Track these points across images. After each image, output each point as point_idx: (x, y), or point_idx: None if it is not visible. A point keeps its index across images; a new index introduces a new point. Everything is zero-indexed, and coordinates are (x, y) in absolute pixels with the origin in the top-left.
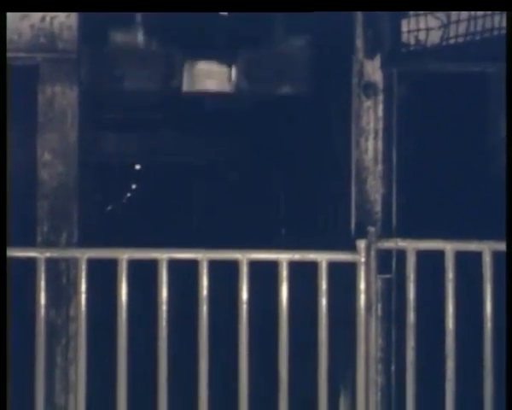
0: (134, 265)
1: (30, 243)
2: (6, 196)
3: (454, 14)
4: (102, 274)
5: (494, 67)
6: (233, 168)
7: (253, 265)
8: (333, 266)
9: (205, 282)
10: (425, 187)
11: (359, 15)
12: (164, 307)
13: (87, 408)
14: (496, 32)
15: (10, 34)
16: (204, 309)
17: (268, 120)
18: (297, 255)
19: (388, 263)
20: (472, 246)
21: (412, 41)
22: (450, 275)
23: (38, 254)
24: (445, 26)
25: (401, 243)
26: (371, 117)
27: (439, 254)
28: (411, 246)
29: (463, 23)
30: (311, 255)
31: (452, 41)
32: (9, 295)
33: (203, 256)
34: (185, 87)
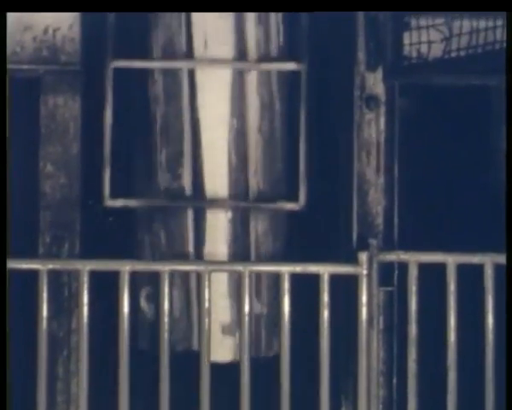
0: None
1: (32, 254)
2: (6, 207)
3: (456, 28)
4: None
5: (496, 80)
6: None
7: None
8: (335, 279)
9: (207, 294)
10: (427, 200)
11: (361, 27)
12: (165, 319)
13: None
14: (498, 46)
15: (13, 46)
16: (206, 322)
17: None
18: (298, 268)
19: (390, 276)
20: (474, 259)
21: (414, 54)
22: (451, 288)
23: (40, 266)
24: (447, 39)
25: (403, 256)
26: (373, 129)
27: (441, 267)
28: (413, 259)
29: (465, 36)
30: (312, 268)
31: (454, 54)
32: (8, 306)
33: (205, 269)
34: None
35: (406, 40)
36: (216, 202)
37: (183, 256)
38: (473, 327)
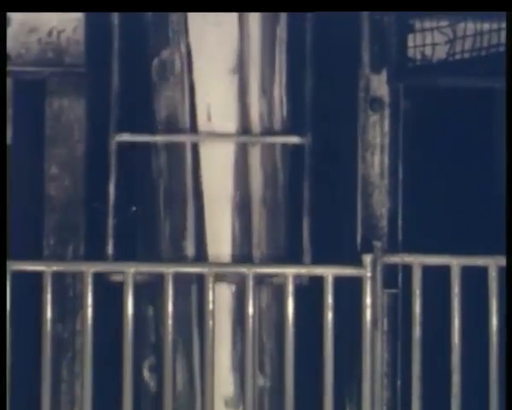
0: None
1: (37, 256)
2: (6, 208)
3: (460, 30)
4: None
5: (500, 82)
6: None
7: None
8: (339, 281)
9: (211, 296)
10: (431, 201)
11: (366, 30)
12: (170, 322)
13: None
14: (502, 48)
15: (18, 48)
16: (210, 324)
17: None
18: (303, 269)
19: (394, 278)
20: (478, 261)
21: (418, 56)
22: (456, 290)
23: (45, 268)
24: (452, 41)
25: (407, 258)
26: (377, 131)
27: (445, 269)
28: (417, 261)
29: (470, 38)
30: (317, 270)
31: (458, 56)
32: (9, 307)
33: (209, 271)
34: None
35: (410, 42)
36: (220, 275)
37: (187, 332)
38: (477, 329)
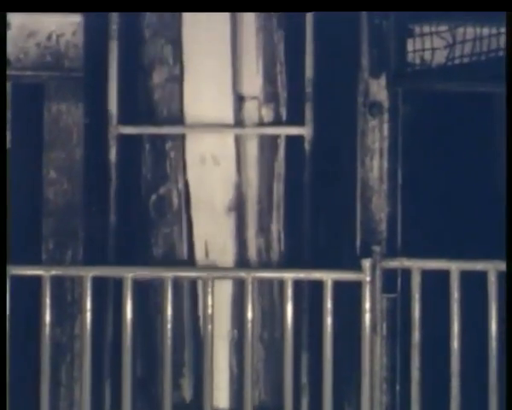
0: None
1: (35, 260)
2: (6, 213)
3: (460, 34)
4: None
5: (500, 87)
6: None
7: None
8: (338, 286)
9: (210, 301)
10: (430, 206)
11: (365, 34)
12: (169, 326)
13: None
14: (501, 52)
15: (16, 52)
16: (209, 328)
17: None
18: (302, 274)
19: (393, 282)
20: (477, 266)
21: (418, 60)
22: (455, 295)
23: (44, 272)
24: (451, 45)
25: (406, 263)
26: (376, 136)
27: (445, 274)
28: (416, 265)
29: (469, 43)
30: (316, 274)
31: (458, 61)
32: (8, 311)
33: (208, 275)
34: None
35: (410, 47)
36: None
37: None
38: (476, 334)
